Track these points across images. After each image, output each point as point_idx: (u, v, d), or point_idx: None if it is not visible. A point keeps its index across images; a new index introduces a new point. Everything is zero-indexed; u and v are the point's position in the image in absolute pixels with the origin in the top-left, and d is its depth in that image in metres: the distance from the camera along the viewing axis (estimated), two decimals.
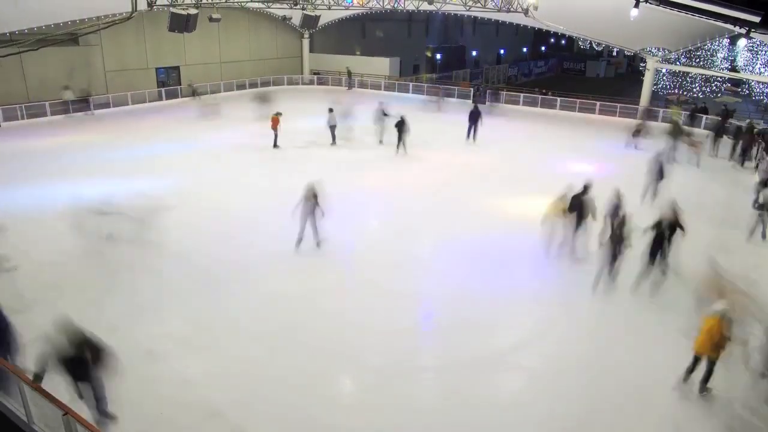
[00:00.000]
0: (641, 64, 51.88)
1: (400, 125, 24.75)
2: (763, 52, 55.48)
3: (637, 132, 26.87)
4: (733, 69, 55.44)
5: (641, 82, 37.73)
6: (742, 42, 23.22)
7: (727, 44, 54.70)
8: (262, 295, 12.68)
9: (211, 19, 33.80)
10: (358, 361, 10.35)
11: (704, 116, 33.14)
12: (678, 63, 41.19)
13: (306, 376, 9.80)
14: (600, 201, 14.40)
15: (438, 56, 60.20)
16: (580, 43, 75.19)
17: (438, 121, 33.34)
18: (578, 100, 37.83)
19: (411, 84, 45.06)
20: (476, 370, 10.17)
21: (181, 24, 26.45)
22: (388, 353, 10.62)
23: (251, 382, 9.65)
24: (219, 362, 10.23)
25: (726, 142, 26.01)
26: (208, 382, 9.63)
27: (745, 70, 56.17)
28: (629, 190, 20.27)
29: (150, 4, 24.81)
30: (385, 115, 26.87)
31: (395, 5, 33.89)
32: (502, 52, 74.69)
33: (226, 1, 29.07)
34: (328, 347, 10.71)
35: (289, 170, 22.17)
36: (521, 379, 10.18)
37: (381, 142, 26.71)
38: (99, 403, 8.05)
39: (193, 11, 26.47)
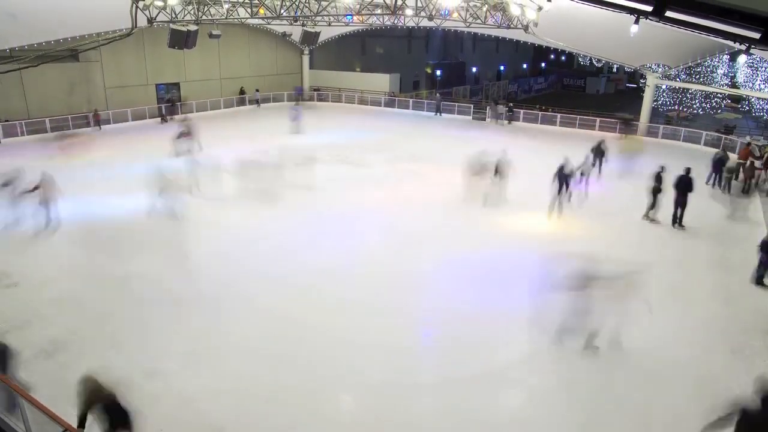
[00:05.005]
0: (641, 81, 52.03)
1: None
2: (763, 69, 55.63)
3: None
4: (733, 85, 55.58)
5: (641, 98, 37.75)
6: (742, 58, 23.17)
7: (727, 60, 54.91)
8: (261, 313, 12.54)
9: (211, 36, 33.89)
10: (358, 380, 10.24)
11: None
12: (678, 79, 41.36)
13: (306, 395, 9.71)
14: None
15: (438, 72, 60.37)
16: (580, 59, 75.35)
17: (440, 138, 33.35)
18: (578, 117, 37.84)
19: (412, 100, 45.24)
20: (476, 387, 10.05)
21: (181, 40, 26.46)
22: (388, 371, 10.49)
23: (252, 401, 9.53)
24: (219, 380, 10.11)
25: None
26: (208, 399, 9.56)
27: (745, 86, 56.33)
28: (630, 207, 20.42)
29: (150, 21, 24.84)
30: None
31: (395, 21, 33.94)
32: (502, 68, 75.01)
33: (226, 18, 29.07)
34: (328, 365, 10.59)
35: (289, 187, 22.06)
36: (521, 396, 10.05)
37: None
38: None
39: (193, 28, 26.49)
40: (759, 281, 14.18)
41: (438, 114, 42.21)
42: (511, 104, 41.54)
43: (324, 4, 26.74)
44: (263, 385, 9.97)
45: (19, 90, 31.24)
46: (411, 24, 34.37)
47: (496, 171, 20.60)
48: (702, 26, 11.04)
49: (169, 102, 38.74)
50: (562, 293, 10.91)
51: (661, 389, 9.98)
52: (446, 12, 27.71)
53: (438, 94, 45.43)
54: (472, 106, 42.45)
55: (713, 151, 29.87)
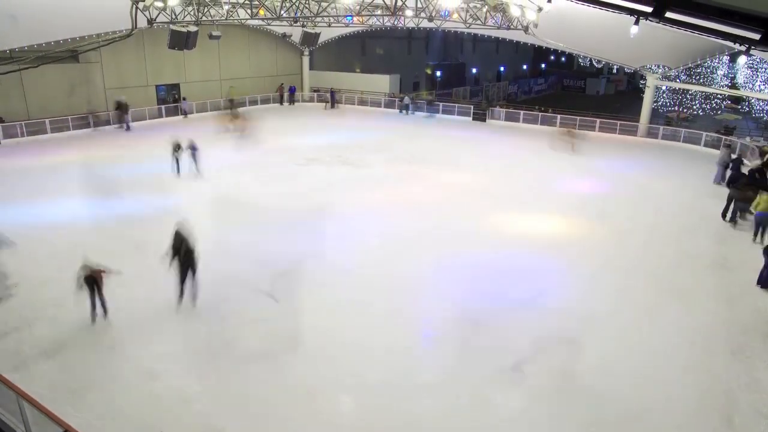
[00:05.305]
0: (641, 82, 51.99)
1: None
2: (763, 69, 55.62)
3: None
4: (733, 86, 55.57)
5: (641, 99, 37.73)
6: (742, 59, 23.22)
7: (727, 61, 54.87)
8: (261, 313, 12.53)
9: (211, 37, 33.95)
10: (357, 380, 10.23)
11: None
12: (678, 80, 41.31)
13: (306, 396, 9.69)
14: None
15: (438, 73, 60.38)
16: (580, 60, 75.33)
17: (438, 140, 33.38)
18: (578, 118, 37.84)
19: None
20: (477, 388, 10.04)
21: (181, 41, 26.49)
22: (387, 372, 10.48)
23: (251, 401, 9.53)
24: (219, 381, 10.09)
25: None
26: (207, 400, 9.54)
27: (745, 87, 56.28)
28: (629, 207, 20.43)
29: (150, 22, 24.83)
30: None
31: (395, 22, 33.96)
32: (502, 69, 74.99)
33: (226, 19, 29.08)
34: (327, 366, 10.58)
35: (288, 189, 22.09)
36: (522, 397, 9.99)
37: None
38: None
39: (193, 29, 26.50)
40: (765, 284, 14.13)
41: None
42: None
43: (324, 5, 26.76)
44: (263, 386, 9.96)
45: (19, 91, 31.23)
46: (411, 25, 34.37)
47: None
48: (702, 27, 11.05)
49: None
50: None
51: (660, 389, 9.97)
52: (446, 13, 27.74)
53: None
54: (472, 107, 42.42)
55: (713, 152, 30.00)
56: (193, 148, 23.44)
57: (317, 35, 37.86)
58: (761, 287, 14.07)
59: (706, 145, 32.50)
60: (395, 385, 10.09)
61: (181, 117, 39.01)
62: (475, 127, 38.32)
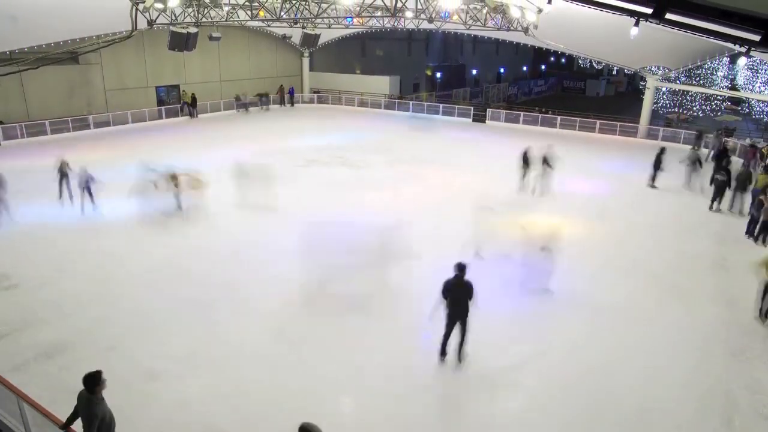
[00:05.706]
0: (641, 83, 52.02)
1: None
2: (763, 71, 55.61)
3: None
4: (733, 87, 55.53)
5: (641, 100, 37.76)
6: (742, 60, 23.16)
7: (727, 63, 54.82)
8: (261, 315, 12.51)
9: (211, 38, 33.98)
10: (357, 381, 10.23)
11: None
12: (678, 82, 41.28)
13: (306, 397, 9.69)
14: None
15: (438, 75, 60.39)
16: (580, 61, 75.46)
17: (441, 140, 33.38)
18: (578, 119, 37.86)
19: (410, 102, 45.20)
20: (476, 389, 10.05)
21: (181, 43, 26.51)
22: (388, 373, 10.47)
23: (251, 403, 9.53)
24: (218, 382, 10.09)
25: None
26: (207, 401, 9.54)
27: (745, 88, 56.23)
28: (630, 210, 20.43)
29: (150, 23, 24.86)
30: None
31: (395, 24, 34.00)
32: (502, 70, 75.02)
33: (226, 20, 29.10)
34: (327, 368, 10.57)
35: (288, 190, 22.05)
36: (521, 398, 9.99)
37: None
38: None
39: (192, 30, 26.53)
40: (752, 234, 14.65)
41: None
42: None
43: (324, 6, 26.77)
44: (263, 386, 9.96)
45: (19, 92, 31.27)
46: (411, 26, 34.40)
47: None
48: (702, 28, 11.06)
49: None
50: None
51: (661, 390, 9.97)
52: (446, 14, 27.75)
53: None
54: (472, 108, 42.47)
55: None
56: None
57: (317, 36, 37.91)
58: (748, 236, 14.51)
59: (706, 147, 32.45)
60: (395, 385, 10.09)
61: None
62: (475, 129, 38.35)
